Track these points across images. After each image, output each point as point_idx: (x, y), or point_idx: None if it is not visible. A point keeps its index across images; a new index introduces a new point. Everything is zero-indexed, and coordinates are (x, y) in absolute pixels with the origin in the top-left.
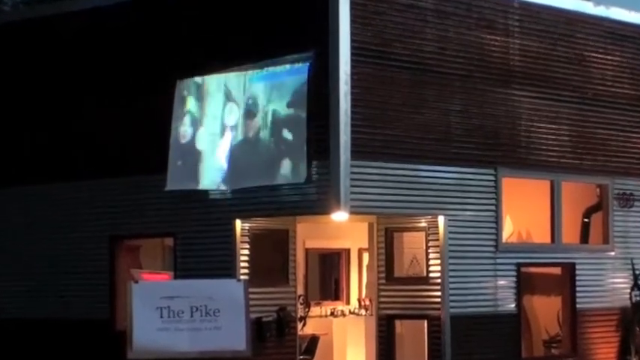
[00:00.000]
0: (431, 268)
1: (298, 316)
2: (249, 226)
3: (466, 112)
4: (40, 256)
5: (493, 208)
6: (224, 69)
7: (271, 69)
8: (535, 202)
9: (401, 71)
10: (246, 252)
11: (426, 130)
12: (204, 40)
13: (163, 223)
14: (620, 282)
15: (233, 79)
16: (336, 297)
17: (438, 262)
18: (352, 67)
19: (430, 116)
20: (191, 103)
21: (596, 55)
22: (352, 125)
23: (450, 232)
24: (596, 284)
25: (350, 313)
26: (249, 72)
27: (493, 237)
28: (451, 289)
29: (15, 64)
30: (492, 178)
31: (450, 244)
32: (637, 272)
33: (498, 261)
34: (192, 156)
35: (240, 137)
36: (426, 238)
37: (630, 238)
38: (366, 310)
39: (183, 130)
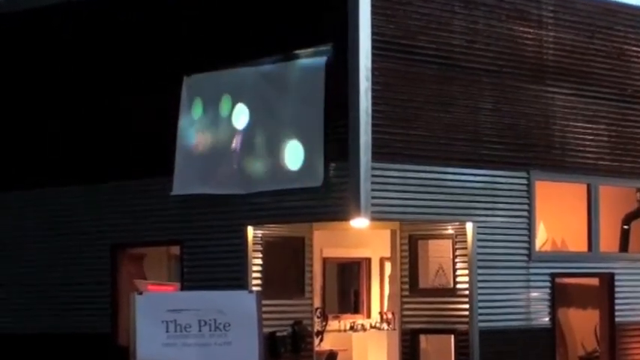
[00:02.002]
0: (458, 279)
1: (315, 330)
2: (262, 234)
3: (496, 111)
4: (35, 266)
5: (525, 214)
6: (234, 64)
7: (285, 64)
8: (570, 207)
9: (426, 66)
10: (259, 261)
11: (453, 129)
12: (213, 34)
13: (169, 230)
14: None
15: (244, 75)
16: (356, 310)
17: (466, 272)
18: (373, 61)
19: (457, 115)
20: (199, 101)
21: (636, 48)
22: (373, 124)
23: (479, 240)
24: (636, 296)
25: (371, 327)
26: (262, 67)
27: (525, 245)
28: (480, 301)
29: (11, 60)
30: (525, 181)
31: (479, 253)
32: None
33: (531, 271)
34: (201, 158)
35: (251, 137)
36: (453, 247)
37: None
38: (389, 324)
39: (191, 129)
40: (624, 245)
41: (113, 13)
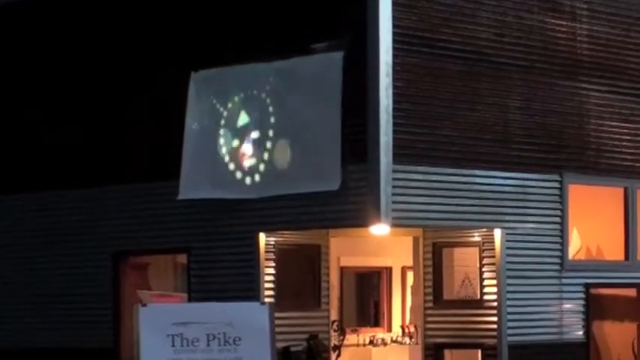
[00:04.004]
0: (486, 290)
1: (332, 344)
2: (275, 241)
3: (527, 109)
4: (32, 275)
5: (558, 219)
6: (245, 59)
7: (299, 59)
8: (606, 212)
9: (451, 61)
10: (272, 271)
11: (481, 129)
12: (222, 27)
13: (175, 238)
14: None
15: (256, 71)
16: (376, 323)
17: (494, 282)
18: (394, 56)
19: (485, 114)
20: (208, 99)
21: None
22: (394, 124)
23: (508, 248)
24: None
25: (392, 341)
26: (275, 62)
27: (558, 253)
28: (509, 313)
29: (8, 58)
30: (557, 185)
31: (508, 262)
32: None
33: (564, 281)
34: (210, 160)
35: (263, 138)
36: (480, 255)
37: None
38: (411, 338)
39: (199, 129)
40: None
41: (116, 8)
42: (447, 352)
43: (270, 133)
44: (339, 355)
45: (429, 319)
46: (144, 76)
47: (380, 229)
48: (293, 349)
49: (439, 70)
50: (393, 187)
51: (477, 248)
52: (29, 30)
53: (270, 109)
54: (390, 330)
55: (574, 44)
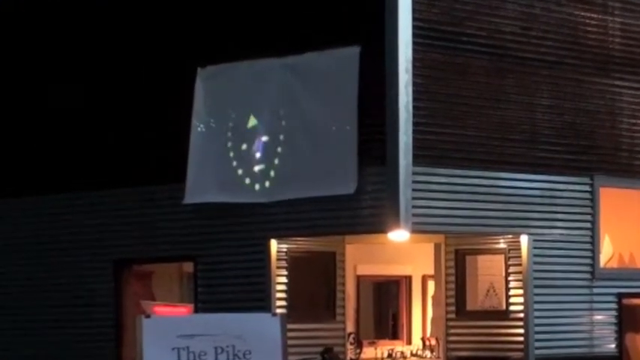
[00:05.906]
0: (512, 300)
1: (348, 358)
2: (287, 248)
3: (555, 108)
4: (28, 284)
5: (588, 225)
6: (255, 55)
7: (314, 54)
8: None
9: (475, 57)
10: (284, 280)
11: (506, 129)
12: (231, 20)
13: (181, 245)
14: None
15: (266, 67)
16: (395, 335)
17: (521, 292)
18: (414, 51)
19: (511, 112)
20: (215, 98)
21: None
22: (414, 123)
23: (536, 255)
24: None
25: (412, 355)
26: (287, 58)
27: (588, 261)
28: (537, 325)
29: (7, 57)
30: (587, 188)
31: (536, 270)
32: None
33: (595, 291)
34: (217, 162)
35: (274, 138)
36: (506, 263)
37: None
38: (432, 351)
39: (206, 129)
40: None
41: (115, 3)
42: None
43: (282, 132)
44: None
45: (452, 331)
46: (148, 74)
47: (399, 235)
48: None
49: (462, 66)
50: (413, 190)
51: (503, 256)
52: (29, 28)
53: (282, 107)
54: (409, 343)
55: (605, 38)
